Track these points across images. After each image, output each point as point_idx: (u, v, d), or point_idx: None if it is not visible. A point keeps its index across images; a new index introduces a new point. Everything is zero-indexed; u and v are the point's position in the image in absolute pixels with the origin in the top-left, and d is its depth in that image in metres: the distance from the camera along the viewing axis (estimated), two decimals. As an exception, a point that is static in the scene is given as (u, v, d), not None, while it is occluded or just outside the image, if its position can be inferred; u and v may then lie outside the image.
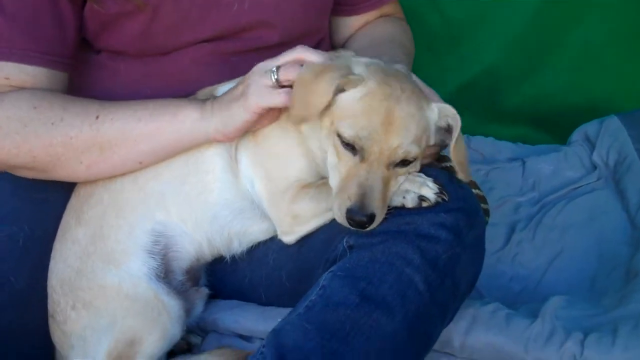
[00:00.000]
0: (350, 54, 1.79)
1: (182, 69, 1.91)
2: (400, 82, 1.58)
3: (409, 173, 1.60)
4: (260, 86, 1.63)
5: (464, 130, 2.78)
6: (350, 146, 1.56)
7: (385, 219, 1.57)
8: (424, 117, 1.59)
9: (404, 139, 1.54)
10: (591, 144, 2.64)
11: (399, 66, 1.73)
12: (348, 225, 1.54)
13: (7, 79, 1.76)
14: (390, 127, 1.53)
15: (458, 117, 1.62)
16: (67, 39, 1.82)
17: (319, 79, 1.55)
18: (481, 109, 2.88)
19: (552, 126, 2.89)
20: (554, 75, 2.84)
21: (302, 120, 1.60)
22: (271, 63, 1.65)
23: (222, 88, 1.82)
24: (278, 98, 1.62)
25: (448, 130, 1.64)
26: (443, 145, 1.70)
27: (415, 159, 1.59)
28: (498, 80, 2.90)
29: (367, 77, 1.58)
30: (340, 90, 1.57)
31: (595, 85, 2.82)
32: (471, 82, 2.87)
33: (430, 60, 2.68)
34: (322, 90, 1.55)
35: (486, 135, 2.85)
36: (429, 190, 1.58)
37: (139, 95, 1.83)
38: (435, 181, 1.60)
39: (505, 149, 2.81)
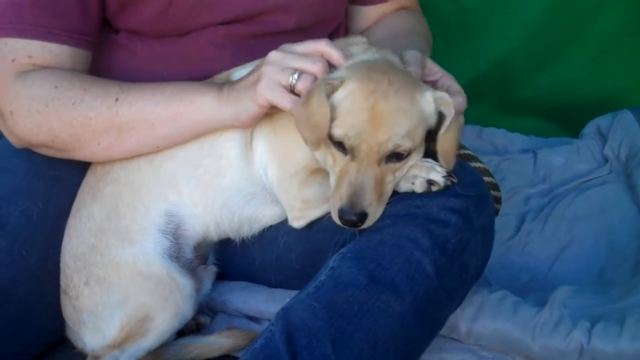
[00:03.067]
0: (362, 40, 1.79)
1: (198, 51, 1.92)
2: (387, 76, 1.56)
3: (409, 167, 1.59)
4: (274, 82, 1.62)
5: (477, 120, 2.83)
6: (341, 146, 1.56)
7: (389, 203, 1.57)
8: (416, 108, 1.57)
9: (392, 133, 1.52)
10: (603, 138, 2.64)
11: (393, 57, 1.71)
12: (342, 225, 1.55)
13: (30, 57, 1.76)
14: (378, 123, 1.52)
15: (452, 107, 1.59)
16: (91, 16, 1.82)
17: (310, 101, 1.56)
18: (494, 100, 2.88)
19: (565, 119, 2.87)
20: (568, 68, 2.82)
21: (319, 142, 1.58)
22: (288, 57, 1.63)
23: (238, 72, 1.83)
24: (285, 101, 1.62)
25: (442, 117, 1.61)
26: None
27: (410, 152, 1.57)
28: (512, 71, 2.88)
29: (346, 77, 1.57)
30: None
31: (610, 79, 2.80)
32: (485, 73, 2.86)
33: (444, 50, 2.64)
34: (317, 107, 1.55)
35: (498, 127, 2.85)
36: (437, 174, 1.59)
37: (156, 76, 1.84)
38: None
39: (518, 140, 2.81)
